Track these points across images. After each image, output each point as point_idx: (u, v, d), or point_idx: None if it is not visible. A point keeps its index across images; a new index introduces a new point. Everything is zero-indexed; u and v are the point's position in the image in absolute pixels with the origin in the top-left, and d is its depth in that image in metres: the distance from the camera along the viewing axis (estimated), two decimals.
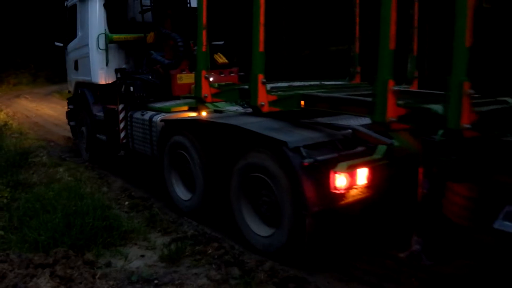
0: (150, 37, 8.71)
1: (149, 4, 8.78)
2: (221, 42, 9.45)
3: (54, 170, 8.94)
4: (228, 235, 6.04)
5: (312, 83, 6.99)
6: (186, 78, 7.67)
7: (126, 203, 7.24)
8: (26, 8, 13.47)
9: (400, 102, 4.22)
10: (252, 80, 5.72)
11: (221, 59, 8.72)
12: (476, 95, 3.79)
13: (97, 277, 4.75)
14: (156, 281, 4.82)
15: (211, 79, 6.59)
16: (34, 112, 18.86)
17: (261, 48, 5.48)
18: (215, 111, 6.95)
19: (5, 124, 14.43)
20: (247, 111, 6.50)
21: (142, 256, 5.50)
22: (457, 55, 3.61)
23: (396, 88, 4.14)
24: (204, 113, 6.78)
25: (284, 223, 5.18)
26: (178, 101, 7.94)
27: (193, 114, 7.22)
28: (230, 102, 6.93)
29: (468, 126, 3.65)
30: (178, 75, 7.83)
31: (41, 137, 13.37)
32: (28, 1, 14.17)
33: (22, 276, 4.50)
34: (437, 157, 4.05)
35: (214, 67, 8.00)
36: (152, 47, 8.69)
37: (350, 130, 5.44)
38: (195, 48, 6.84)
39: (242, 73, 6.70)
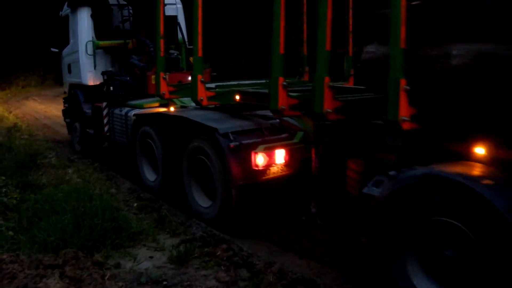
0: (131, 43, 10.01)
1: (129, 15, 10.11)
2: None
3: (63, 171, 8.98)
4: (236, 237, 6.05)
5: (258, 81, 7.71)
6: (172, 79, 8.17)
7: (135, 204, 7.26)
8: (35, 11, 13.92)
9: (292, 94, 5.35)
10: (192, 80, 6.83)
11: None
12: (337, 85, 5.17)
13: (106, 278, 4.76)
14: (165, 283, 4.83)
15: (189, 78, 7.41)
16: (43, 114, 18.94)
17: (200, 53, 6.64)
18: (181, 107, 7.96)
19: (15, 125, 14.48)
20: (208, 107, 7.33)
21: (151, 257, 5.53)
22: (319, 56, 4.71)
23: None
24: (172, 108, 7.94)
25: (218, 195, 6.38)
26: (151, 99, 8.92)
27: (162, 109, 8.30)
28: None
29: (330, 110, 4.69)
30: (152, 76, 8.43)
31: (50, 139, 13.43)
32: (37, 5, 14.70)
33: (32, 277, 4.51)
34: (321, 138, 5.29)
35: (190, 68, 8.83)
36: (133, 52, 9.88)
37: (278, 120, 6.47)
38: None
39: (214, 74, 7.53)
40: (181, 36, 10.56)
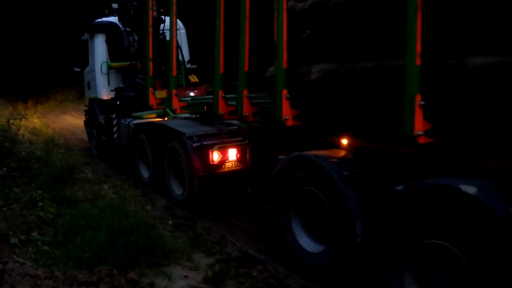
0: (138, 65, 11.44)
1: (133, 41, 11.74)
2: (195, 66, 12.43)
3: (99, 186, 8.97)
4: (272, 258, 5.94)
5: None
6: (158, 94, 9.36)
7: (170, 222, 7.18)
8: (74, 31, 14.73)
9: (229, 102, 6.92)
10: (169, 91, 8.56)
11: (193, 79, 11.69)
12: (253, 95, 6.43)
13: None
14: None
15: (191, 94, 10.51)
16: (80, 128, 19.06)
17: (174, 72, 8.44)
18: (174, 117, 9.53)
19: (52, 139, 14.63)
20: (191, 117, 9.10)
21: (186, 276, 5.44)
22: (240, 75, 6.30)
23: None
24: (166, 118, 9.77)
25: (186, 184, 8.09)
26: (150, 111, 10.20)
27: (153, 119, 10.05)
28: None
29: (247, 114, 6.32)
30: (156, 92, 9.48)
31: (86, 153, 13.53)
32: (77, 23, 15.59)
33: None
34: (251, 136, 6.88)
35: (189, 85, 10.97)
36: (140, 72, 11.26)
37: (236, 126, 7.95)
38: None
39: (210, 89, 8.42)
40: (181, 57, 11.57)
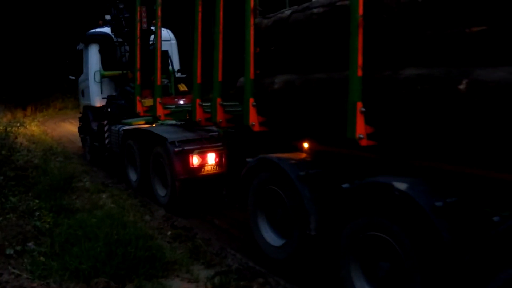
0: (129, 74, 11.97)
1: (124, 51, 12.37)
2: (184, 75, 12.70)
3: (97, 196, 8.88)
4: (273, 271, 5.81)
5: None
6: (147, 102, 9.85)
7: (169, 233, 7.05)
8: (74, 36, 15.03)
9: (206, 110, 7.48)
10: (154, 99, 9.07)
11: (182, 88, 12.13)
12: (227, 103, 6.99)
13: None
14: None
15: (181, 102, 10.88)
16: (78, 136, 19.04)
17: (158, 82, 8.91)
18: (161, 124, 9.88)
19: (50, 148, 14.55)
20: (177, 124, 9.57)
21: None
22: (215, 85, 6.92)
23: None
24: (153, 125, 10.13)
25: (168, 186, 8.56)
26: (139, 118, 10.54)
27: (140, 125, 10.45)
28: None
29: (221, 121, 6.91)
30: (142, 100, 10.03)
31: (84, 162, 13.45)
32: (75, 32, 15.95)
33: None
34: (226, 141, 7.45)
35: (178, 93, 11.41)
36: (131, 81, 11.49)
37: (216, 132, 8.29)
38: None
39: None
40: (171, 67, 12.21)
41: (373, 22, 4.45)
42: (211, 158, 8.29)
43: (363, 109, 4.42)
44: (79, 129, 15.22)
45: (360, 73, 4.41)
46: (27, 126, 18.30)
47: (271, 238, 6.13)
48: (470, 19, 3.82)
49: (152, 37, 10.82)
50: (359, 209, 4.62)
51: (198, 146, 8.23)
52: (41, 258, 5.82)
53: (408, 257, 4.11)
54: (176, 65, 13.01)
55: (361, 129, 4.45)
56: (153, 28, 10.51)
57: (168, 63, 12.12)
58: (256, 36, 6.05)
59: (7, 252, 5.79)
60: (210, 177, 8.28)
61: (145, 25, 10.50)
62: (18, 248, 5.99)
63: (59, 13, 30.88)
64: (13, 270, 5.35)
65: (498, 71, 3.55)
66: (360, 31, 4.38)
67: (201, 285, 5.37)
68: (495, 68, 3.59)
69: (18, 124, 12.68)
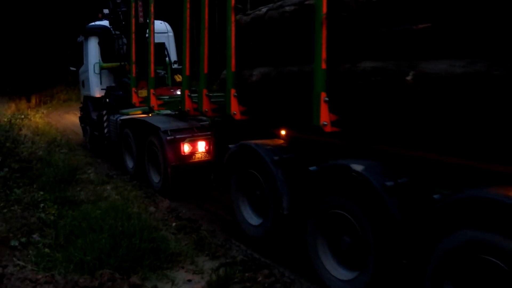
0: (127, 66, 12.11)
1: (122, 44, 12.70)
2: (181, 67, 12.44)
3: (101, 187, 8.86)
4: (278, 262, 5.81)
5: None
6: (143, 93, 10.24)
7: (174, 224, 7.04)
8: (76, 28, 15.20)
9: (194, 100, 8.05)
10: (148, 91, 9.69)
11: (179, 79, 11.88)
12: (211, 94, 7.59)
13: None
14: None
15: (177, 92, 10.62)
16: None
17: (152, 74, 9.43)
18: (157, 114, 10.23)
19: (55, 139, 14.54)
20: (171, 114, 9.95)
21: (189, 280, 5.33)
22: (201, 76, 7.53)
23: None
24: (150, 115, 10.41)
25: (161, 173, 9.10)
26: (136, 108, 10.88)
27: (136, 115, 10.72)
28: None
29: (206, 110, 7.52)
30: (139, 91, 10.40)
31: (88, 154, 13.43)
32: (79, 22, 16.19)
33: None
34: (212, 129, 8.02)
35: (174, 84, 11.56)
36: (129, 72, 11.40)
37: (207, 122, 8.62)
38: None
39: (193, 88, 8.49)
40: (168, 58, 12.67)
41: (335, 20, 4.91)
42: (201, 146, 8.80)
43: (326, 99, 4.96)
44: (80, 118, 15.66)
45: (324, 66, 4.93)
46: (31, 118, 18.32)
47: (251, 217, 6.70)
48: (417, 17, 4.26)
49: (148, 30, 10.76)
50: (324, 190, 5.17)
51: (189, 135, 8.75)
52: (46, 249, 5.82)
53: (365, 232, 4.64)
54: (173, 56, 13.29)
55: (325, 116, 5.00)
56: (148, 21, 10.46)
57: (165, 55, 12.65)
58: (237, 32, 6.56)
59: (12, 244, 5.79)
60: (201, 163, 8.76)
61: (141, 19, 10.58)
62: (23, 239, 5.99)
63: (62, 5, 30.83)
64: (18, 262, 5.36)
65: (440, 64, 3.98)
66: (324, 28, 4.89)
67: (205, 277, 5.36)
68: (438, 61, 4.03)
69: (23, 116, 12.68)
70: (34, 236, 6.21)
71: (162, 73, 12.13)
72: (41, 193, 7.89)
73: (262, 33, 6.20)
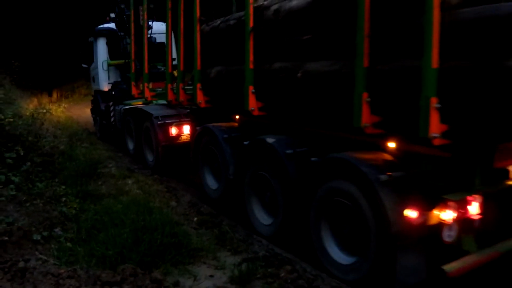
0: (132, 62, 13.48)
1: (125, 43, 13.91)
2: None
3: (123, 181, 8.87)
4: (300, 257, 5.75)
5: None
6: (141, 87, 11.68)
7: (195, 219, 7.02)
8: (89, 27, 16.41)
9: (175, 92, 9.66)
10: (142, 85, 11.35)
11: (176, 74, 12.97)
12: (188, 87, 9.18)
13: None
14: None
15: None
16: None
17: (146, 70, 11.15)
18: (154, 103, 11.89)
19: (76, 133, 14.59)
20: (164, 103, 11.42)
21: (211, 276, 5.29)
22: (178, 74, 9.55)
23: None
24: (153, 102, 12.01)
25: (154, 152, 10.93)
26: (138, 99, 12.38)
27: (135, 104, 12.43)
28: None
29: (182, 100, 9.25)
30: (138, 84, 12.01)
31: (109, 148, 13.47)
32: (90, 24, 17.41)
33: None
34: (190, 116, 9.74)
35: (173, 79, 11.76)
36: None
37: None
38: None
39: (190, 82, 9.56)
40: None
41: (258, 31, 6.70)
42: (186, 129, 10.49)
43: (253, 91, 6.79)
44: (91, 110, 17.61)
45: (251, 66, 6.76)
46: (53, 112, 18.38)
47: (212, 184, 8.46)
48: (304, 30, 5.91)
49: (150, 31, 12.34)
50: (253, 159, 6.98)
51: (177, 120, 10.65)
52: (68, 244, 5.82)
53: (277, 187, 6.42)
54: (173, 54, 13.68)
55: (253, 104, 6.83)
56: (150, 23, 12.17)
57: (164, 52, 13.74)
58: (201, 38, 8.30)
59: (34, 238, 5.77)
60: (186, 144, 10.00)
61: (141, 22, 11.78)
62: (45, 233, 5.98)
63: (77, 8, 31.77)
64: (40, 256, 5.35)
65: (316, 64, 5.68)
66: (251, 37, 6.74)
67: (227, 272, 5.31)
68: (315, 62, 5.70)
69: (44, 110, 12.69)
70: (56, 230, 6.21)
71: (162, 69, 12.74)
72: (63, 187, 7.90)
73: (217, 40, 7.99)
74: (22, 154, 8.42)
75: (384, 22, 4.77)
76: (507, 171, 4.86)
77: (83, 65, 17.57)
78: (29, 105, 18.38)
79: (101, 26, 15.55)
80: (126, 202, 6.94)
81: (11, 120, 9.26)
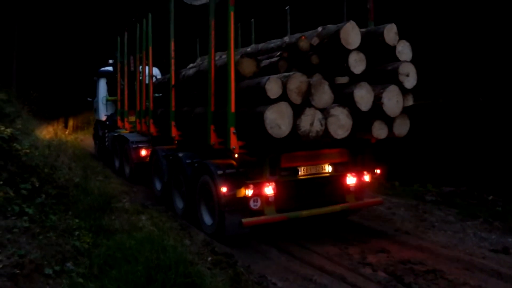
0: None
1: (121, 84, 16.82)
2: None
3: (136, 217, 8.78)
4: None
5: None
6: (132, 119, 14.79)
7: (209, 258, 6.90)
8: (95, 68, 20.39)
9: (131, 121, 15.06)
10: (122, 119, 15.57)
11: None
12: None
13: None
14: None
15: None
16: None
17: (126, 107, 15.30)
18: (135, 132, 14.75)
19: (90, 166, 14.56)
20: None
21: None
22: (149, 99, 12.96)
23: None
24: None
25: (128, 168, 14.59)
26: (124, 129, 15.59)
27: (121, 133, 15.65)
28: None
29: (152, 132, 12.48)
30: (130, 117, 15.18)
31: (123, 182, 13.45)
32: (97, 63, 21.36)
33: None
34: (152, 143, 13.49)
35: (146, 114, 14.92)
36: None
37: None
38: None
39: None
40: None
41: (176, 87, 10.71)
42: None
43: (174, 123, 10.53)
44: (93, 135, 21.69)
45: (173, 108, 10.57)
46: (68, 144, 18.46)
47: (158, 186, 11.72)
48: (196, 87, 9.85)
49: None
50: (174, 167, 10.32)
51: (146, 145, 13.73)
52: (80, 279, 5.69)
53: (185, 183, 9.79)
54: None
55: (174, 132, 10.57)
56: (140, 67, 14.18)
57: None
58: (153, 88, 12.40)
59: (46, 272, 5.67)
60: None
61: (132, 68, 14.96)
62: (57, 268, 5.87)
63: (90, 48, 34.48)
64: None
65: (199, 109, 9.36)
66: (173, 90, 10.69)
67: None
68: (199, 107, 9.39)
69: (60, 142, 13.00)
70: (68, 264, 6.11)
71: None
72: (77, 220, 7.80)
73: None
74: (37, 185, 8.36)
75: (218, 87, 8.32)
76: (297, 169, 8.05)
77: (88, 99, 21.25)
78: (46, 136, 18.53)
79: (103, 68, 19.27)
80: (140, 239, 6.81)
81: (28, 151, 9.22)
